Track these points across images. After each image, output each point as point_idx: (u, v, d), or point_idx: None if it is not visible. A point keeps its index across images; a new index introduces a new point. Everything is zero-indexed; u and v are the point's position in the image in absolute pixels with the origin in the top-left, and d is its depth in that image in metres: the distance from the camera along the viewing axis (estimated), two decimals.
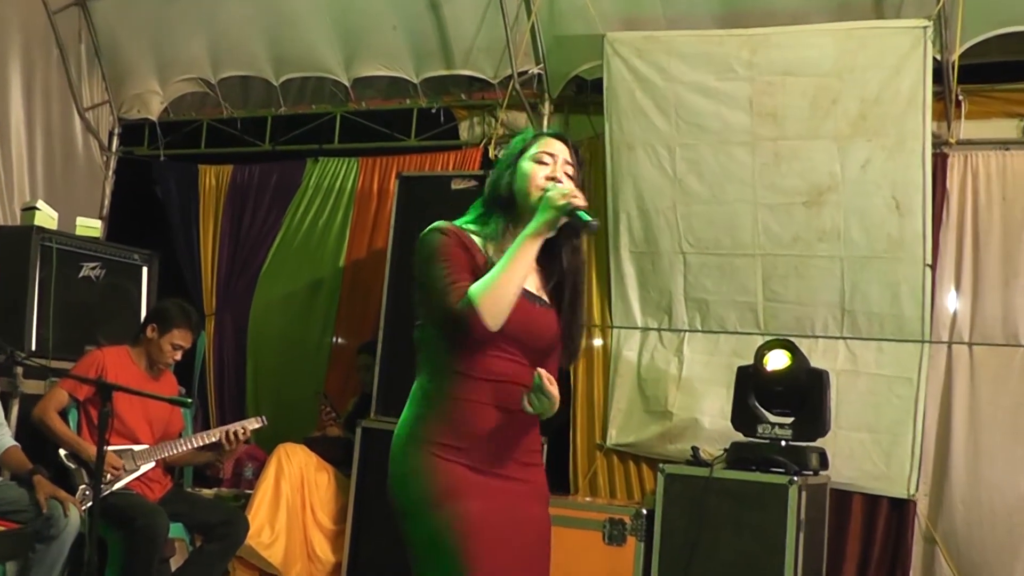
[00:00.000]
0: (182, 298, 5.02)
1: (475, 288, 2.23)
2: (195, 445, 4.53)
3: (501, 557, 2.26)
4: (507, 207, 2.40)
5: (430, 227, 2.36)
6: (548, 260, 2.42)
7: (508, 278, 2.25)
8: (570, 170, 2.43)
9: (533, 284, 2.43)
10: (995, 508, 4.63)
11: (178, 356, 4.61)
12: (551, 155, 2.42)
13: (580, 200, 2.32)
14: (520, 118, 5.79)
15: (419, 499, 2.27)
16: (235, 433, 4.48)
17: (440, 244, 2.31)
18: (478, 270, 2.30)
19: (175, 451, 4.51)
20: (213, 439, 4.51)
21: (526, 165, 2.41)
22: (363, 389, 5.58)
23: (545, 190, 2.35)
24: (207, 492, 5.48)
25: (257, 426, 4.68)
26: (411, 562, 2.30)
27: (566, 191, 2.32)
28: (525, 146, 2.45)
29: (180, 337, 4.55)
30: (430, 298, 2.28)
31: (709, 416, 5.01)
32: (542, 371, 2.29)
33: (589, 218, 2.31)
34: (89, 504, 4.04)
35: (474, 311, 2.21)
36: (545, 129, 2.54)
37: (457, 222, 2.41)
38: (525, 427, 2.40)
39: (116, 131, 6.88)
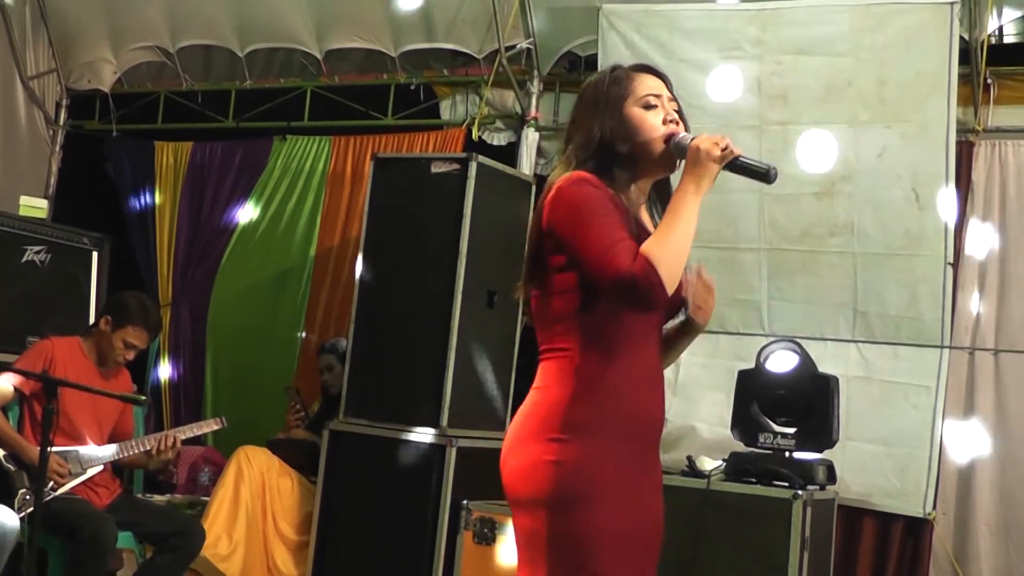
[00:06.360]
0: (137, 288, 5.01)
1: (651, 249, 2.19)
2: (142, 449, 4.52)
3: (636, 565, 2.29)
4: (627, 160, 2.36)
5: (573, 177, 2.30)
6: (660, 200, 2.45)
7: (684, 240, 2.22)
8: (675, 105, 2.42)
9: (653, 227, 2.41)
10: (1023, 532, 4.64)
11: (130, 356, 4.59)
12: (656, 96, 2.40)
13: (736, 147, 2.31)
14: (507, 96, 5.81)
15: (560, 496, 2.22)
16: (168, 440, 4.47)
17: (595, 198, 2.26)
18: (631, 229, 2.27)
19: (124, 454, 4.50)
20: (147, 447, 4.50)
21: (634, 112, 2.38)
22: (327, 391, 5.60)
23: (671, 138, 2.34)
24: (159, 499, 5.46)
25: (215, 427, 4.74)
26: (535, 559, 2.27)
27: (715, 139, 2.28)
28: (620, 89, 2.39)
29: (134, 336, 4.53)
30: (596, 260, 2.21)
31: (707, 424, 5.03)
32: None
33: (767, 166, 2.32)
34: (29, 510, 4.05)
35: (656, 274, 2.16)
36: (629, 64, 2.50)
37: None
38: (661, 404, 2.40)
39: (64, 102, 6.93)
